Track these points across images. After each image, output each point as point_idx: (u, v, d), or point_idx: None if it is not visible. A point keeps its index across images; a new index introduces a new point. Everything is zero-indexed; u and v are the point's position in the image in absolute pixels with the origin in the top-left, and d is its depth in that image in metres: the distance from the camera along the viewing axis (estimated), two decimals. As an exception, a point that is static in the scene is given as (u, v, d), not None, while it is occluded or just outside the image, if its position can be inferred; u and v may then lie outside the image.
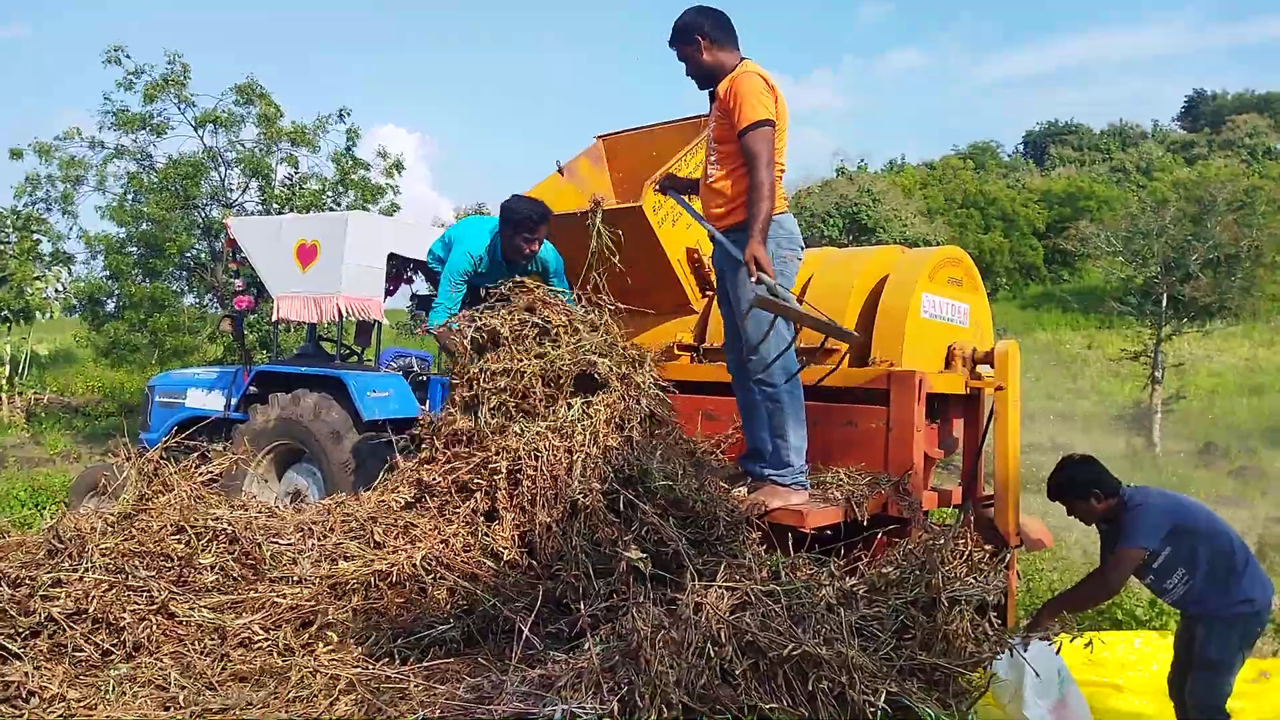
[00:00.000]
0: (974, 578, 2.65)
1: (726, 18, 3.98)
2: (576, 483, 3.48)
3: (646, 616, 2.39)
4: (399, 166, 15.93)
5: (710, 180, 4.04)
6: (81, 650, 2.89)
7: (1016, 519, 4.62)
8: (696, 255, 5.24)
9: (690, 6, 3.98)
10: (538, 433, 3.71)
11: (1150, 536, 3.83)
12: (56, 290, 16.21)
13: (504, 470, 3.68)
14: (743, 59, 3.94)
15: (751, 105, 3.70)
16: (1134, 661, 5.48)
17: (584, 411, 3.76)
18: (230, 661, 2.84)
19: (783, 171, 3.99)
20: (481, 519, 3.67)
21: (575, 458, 3.60)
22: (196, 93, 14.46)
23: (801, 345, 4.78)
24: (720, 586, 2.52)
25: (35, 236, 15.72)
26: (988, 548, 2.89)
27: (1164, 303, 20.08)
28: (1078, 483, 4.03)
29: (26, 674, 2.71)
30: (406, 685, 2.63)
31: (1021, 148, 59.36)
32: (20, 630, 2.91)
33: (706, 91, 4.05)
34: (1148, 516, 3.85)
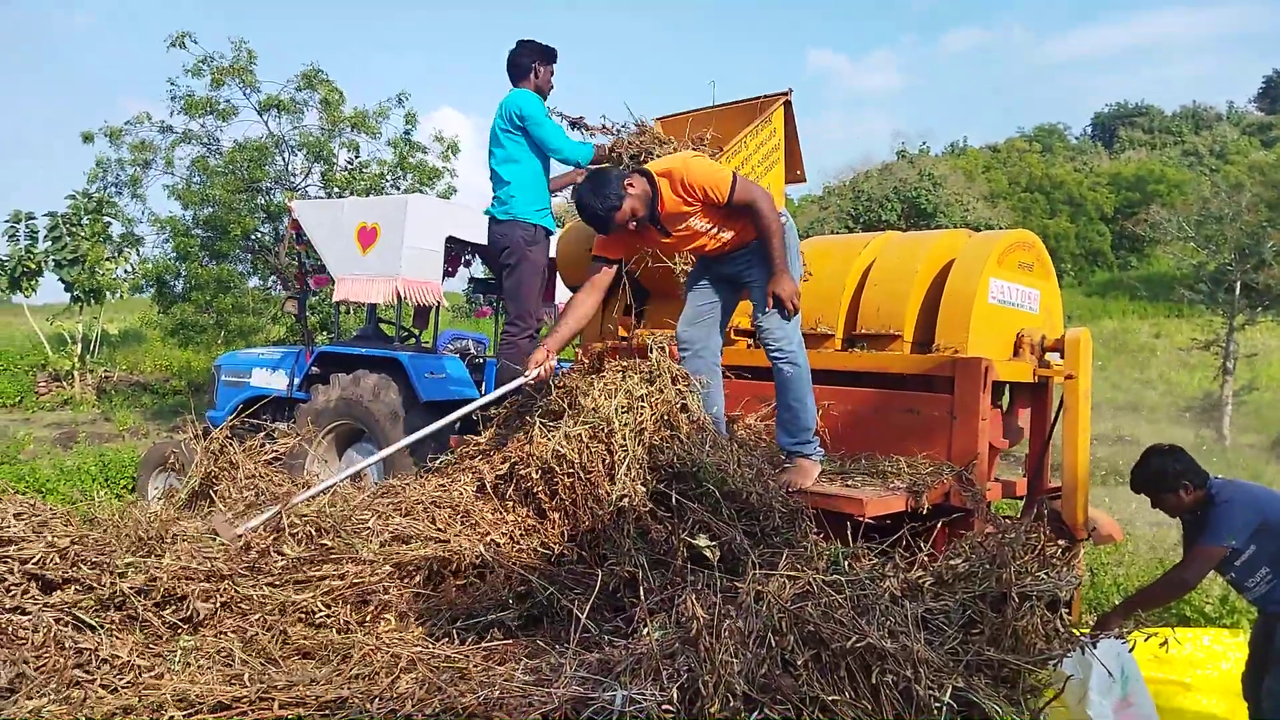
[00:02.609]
0: (1046, 573, 2.57)
1: None
2: (620, 485, 3.40)
3: (706, 604, 2.36)
4: (455, 149, 16.04)
5: (726, 238, 4.02)
6: (150, 624, 2.96)
7: (1085, 512, 4.50)
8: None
9: (585, 184, 3.86)
10: (566, 435, 3.58)
11: (1234, 535, 3.70)
12: (126, 271, 16.68)
13: (535, 476, 3.61)
14: (641, 173, 3.88)
15: (716, 177, 3.80)
16: (1203, 660, 5.30)
17: (628, 405, 3.69)
18: (290, 640, 2.89)
19: None
20: (531, 513, 3.65)
21: (617, 458, 3.50)
22: (262, 79, 14.71)
23: (864, 331, 4.72)
24: (781, 576, 2.48)
25: (106, 219, 16.17)
26: (1061, 542, 2.81)
27: (1236, 291, 19.41)
28: (1168, 475, 3.89)
29: (99, 642, 2.78)
30: (465, 665, 2.65)
31: (1090, 130, 57.82)
32: (98, 602, 2.99)
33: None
34: (1234, 513, 3.71)
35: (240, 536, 3.30)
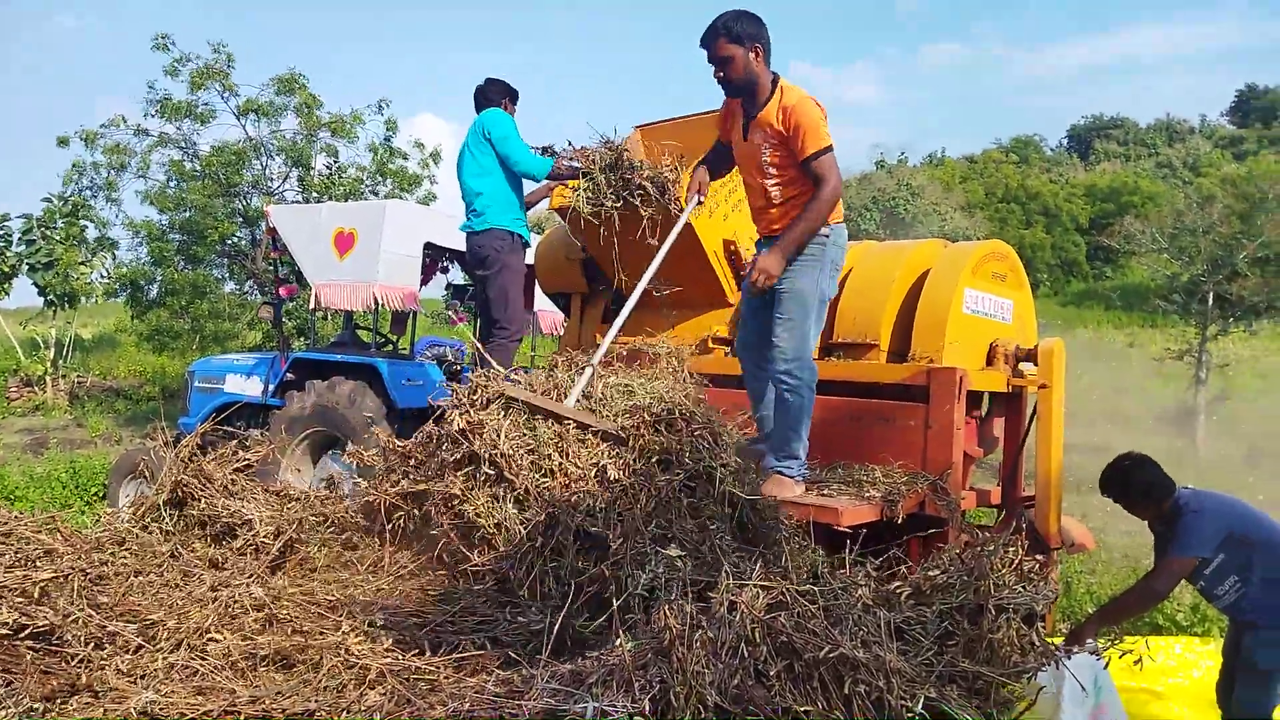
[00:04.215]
0: (1023, 586, 2.58)
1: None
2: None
3: (679, 614, 2.35)
4: (436, 157, 15.97)
5: (776, 201, 4.03)
6: (124, 635, 2.92)
7: (1058, 521, 4.52)
8: (733, 248, 5.19)
9: (738, 9, 3.85)
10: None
11: (1203, 545, 3.72)
12: (101, 275, 16.48)
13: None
14: (774, 74, 3.92)
15: (817, 134, 3.76)
16: (1174, 668, 5.35)
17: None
18: (261, 646, 2.86)
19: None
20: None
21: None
22: (239, 82, 14.59)
23: (841, 340, 4.73)
24: (755, 585, 2.47)
25: (81, 222, 15.98)
26: (1038, 556, 2.82)
27: (1210, 301, 19.64)
28: (1133, 484, 3.92)
29: (83, 659, 2.74)
30: (436, 677, 2.62)
31: (1065, 142, 58.40)
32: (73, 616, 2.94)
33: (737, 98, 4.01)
34: (1202, 524, 3.73)
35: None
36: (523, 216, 5.42)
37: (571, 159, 4.95)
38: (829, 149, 3.76)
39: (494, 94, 5.51)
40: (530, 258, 5.94)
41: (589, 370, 3.69)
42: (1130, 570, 7.02)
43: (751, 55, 3.80)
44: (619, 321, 4.06)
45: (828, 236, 3.91)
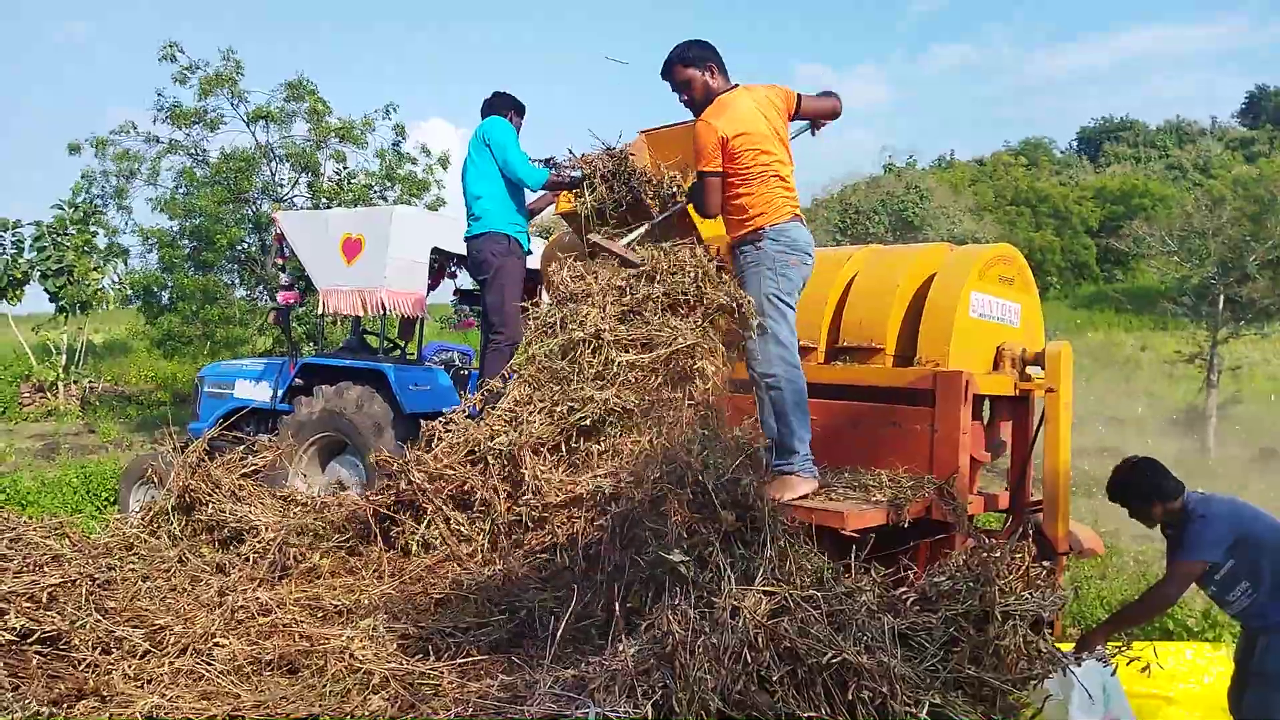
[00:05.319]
0: (1031, 593, 2.56)
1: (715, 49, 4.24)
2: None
3: (682, 619, 2.35)
4: (444, 162, 16.00)
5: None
6: (130, 640, 2.93)
7: (1067, 526, 4.50)
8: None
9: (687, 39, 4.18)
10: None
11: (1211, 550, 3.70)
12: (112, 281, 16.56)
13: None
14: (734, 86, 4.15)
15: (696, 158, 4.05)
16: (1185, 673, 5.31)
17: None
18: (266, 650, 2.86)
19: (781, 181, 4.12)
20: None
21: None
22: (249, 89, 14.65)
23: (846, 344, 4.72)
24: (758, 591, 2.47)
25: (92, 229, 16.07)
26: (1046, 563, 2.81)
27: (1220, 304, 19.54)
28: (1135, 488, 3.90)
29: (90, 664, 2.75)
30: (440, 681, 2.62)
31: (1075, 144, 58.21)
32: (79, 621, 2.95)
33: None
34: (1210, 529, 3.71)
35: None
36: (522, 222, 5.45)
37: (573, 168, 4.96)
38: (705, 173, 4.00)
39: (500, 105, 5.60)
40: (535, 262, 5.95)
41: (644, 225, 4.31)
42: (1141, 575, 6.99)
43: (707, 75, 4.12)
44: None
45: (759, 243, 4.04)
